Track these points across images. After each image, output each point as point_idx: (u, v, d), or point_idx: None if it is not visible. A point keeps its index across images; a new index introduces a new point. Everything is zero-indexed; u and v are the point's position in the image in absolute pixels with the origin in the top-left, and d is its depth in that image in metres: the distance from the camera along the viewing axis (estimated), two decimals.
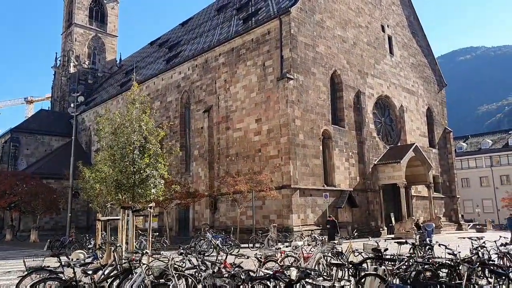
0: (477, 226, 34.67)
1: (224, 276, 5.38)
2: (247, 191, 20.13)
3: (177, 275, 6.14)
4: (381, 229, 25.56)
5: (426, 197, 29.86)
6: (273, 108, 22.67)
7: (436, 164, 31.92)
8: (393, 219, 26.97)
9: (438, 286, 5.54)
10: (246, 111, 24.53)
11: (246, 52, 25.03)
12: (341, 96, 25.26)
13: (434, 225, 11.75)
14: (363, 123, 26.07)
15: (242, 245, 17.38)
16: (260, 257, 6.31)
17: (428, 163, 28.27)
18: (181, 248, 8.06)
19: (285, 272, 5.32)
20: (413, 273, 5.90)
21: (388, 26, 29.77)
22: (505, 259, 7.66)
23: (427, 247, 9.31)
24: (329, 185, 23.41)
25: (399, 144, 29.21)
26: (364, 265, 6.48)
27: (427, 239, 11.05)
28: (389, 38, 29.73)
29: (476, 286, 5.76)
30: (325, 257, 7.71)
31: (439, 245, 8.12)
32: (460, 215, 34.74)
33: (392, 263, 6.44)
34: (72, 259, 7.21)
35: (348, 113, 25.50)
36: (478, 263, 5.97)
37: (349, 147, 25.23)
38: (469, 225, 36.13)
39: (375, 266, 5.92)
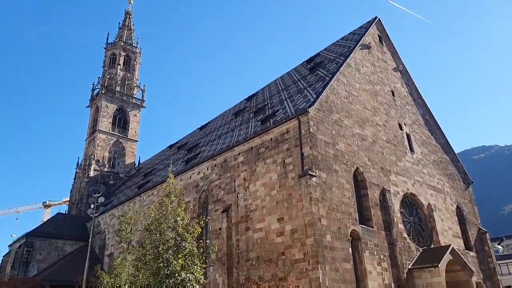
0: None
1: None
2: None
3: None
4: None
5: None
6: (296, 206, 21.57)
7: (476, 269, 28.95)
8: None
9: None
10: (267, 210, 23.42)
11: (265, 150, 24.96)
12: (365, 194, 24.17)
13: None
14: (392, 222, 24.42)
15: None
16: None
17: (469, 267, 25.58)
18: None
19: None
20: None
21: (405, 124, 29.98)
22: None
23: None
24: None
25: (432, 246, 26.92)
26: None
27: None
28: (408, 136, 29.67)
29: None
30: None
31: None
32: None
33: None
34: None
35: (375, 212, 24.08)
36: None
37: (380, 249, 23.22)
38: None
39: None
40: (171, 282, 8.74)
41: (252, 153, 26.00)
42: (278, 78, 37.47)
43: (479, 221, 33.29)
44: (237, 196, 26.04)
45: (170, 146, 50.82)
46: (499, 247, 53.32)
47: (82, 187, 52.57)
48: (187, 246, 9.21)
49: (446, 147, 33.33)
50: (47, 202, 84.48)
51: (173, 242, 9.09)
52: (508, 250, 52.68)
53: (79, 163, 57.16)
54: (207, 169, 29.83)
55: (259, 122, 27.99)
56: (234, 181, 26.79)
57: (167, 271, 8.73)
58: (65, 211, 57.09)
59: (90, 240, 27.44)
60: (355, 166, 24.18)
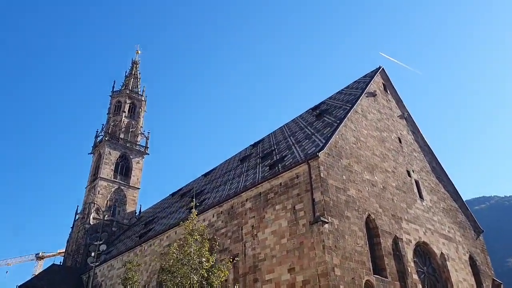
0: None
1: None
2: None
3: None
4: None
5: None
6: (308, 255, 20.76)
7: None
8: None
9: None
10: (277, 259, 22.52)
11: (275, 196, 24.53)
12: (378, 242, 23.44)
13: None
14: (406, 272, 23.45)
15: None
16: None
17: None
18: None
19: None
20: None
21: (413, 171, 29.84)
22: None
23: None
24: None
25: None
26: None
27: None
28: (417, 183, 29.41)
29: None
30: None
31: None
32: None
33: None
34: None
35: (389, 261, 23.20)
36: None
37: None
38: None
39: None
40: None
41: (261, 199, 25.53)
42: (283, 125, 37.84)
43: (492, 272, 32.10)
44: (245, 245, 25.20)
45: (173, 194, 50.13)
46: None
47: (80, 236, 51.07)
48: None
49: (454, 194, 32.94)
50: (40, 253, 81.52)
51: (197, 286, 8.44)
52: None
53: (78, 211, 56.00)
54: (213, 217, 29.16)
55: (267, 167, 27.80)
56: (242, 229, 26.06)
57: None
58: (60, 262, 54.99)
59: None
60: (366, 213, 23.68)
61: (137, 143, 61.79)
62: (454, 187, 33.40)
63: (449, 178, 33.38)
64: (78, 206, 57.06)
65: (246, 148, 41.44)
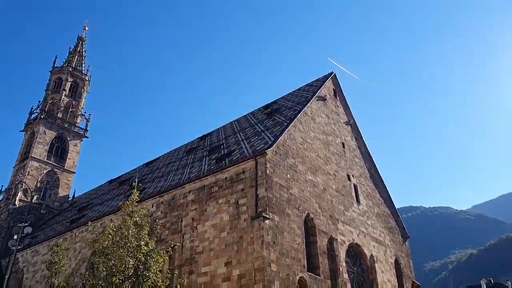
0: None
1: None
2: None
3: None
4: None
5: None
6: (246, 249, 20.90)
7: None
8: None
9: None
10: (215, 252, 22.42)
11: (219, 190, 24.39)
12: (315, 241, 24.19)
13: None
14: (338, 272, 24.43)
15: None
16: None
17: None
18: None
19: None
20: None
21: (353, 176, 31.18)
22: None
23: None
24: None
25: None
26: None
27: None
28: (355, 187, 30.79)
29: None
30: None
31: None
32: None
33: None
34: None
35: (323, 260, 24.05)
36: None
37: None
38: None
39: None
40: None
41: (204, 192, 25.26)
42: (233, 121, 37.74)
43: (413, 274, 34.53)
44: (183, 236, 24.80)
45: (111, 181, 47.90)
46: None
47: (3, 218, 47.08)
48: (150, 277, 8.15)
49: (388, 201, 34.93)
50: None
51: (132, 271, 8.02)
52: None
53: (2, 190, 51.59)
54: (152, 206, 28.31)
55: (214, 161, 27.57)
56: (181, 221, 25.64)
57: None
58: None
59: (7, 277, 24.31)
60: (306, 212, 24.34)
61: (77, 124, 58.23)
62: (389, 194, 35.42)
63: (385, 186, 35.32)
64: (3, 186, 52.58)
65: (193, 141, 40.76)
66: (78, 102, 60.00)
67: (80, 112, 59.35)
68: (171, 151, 42.63)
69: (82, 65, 63.71)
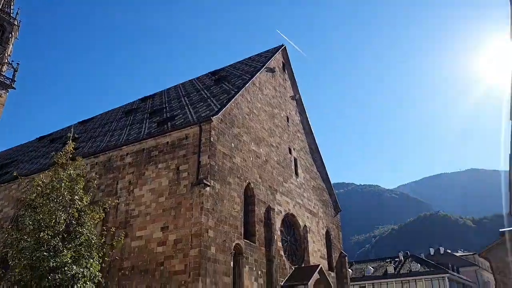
0: None
1: None
2: None
3: None
4: None
5: None
6: (184, 215, 20.72)
7: None
8: None
9: None
10: (151, 217, 21.98)
11: (159, 154, 23.66)
12: (253, 209, 24.65)
13: None
14: (273, 240, 25.28)
15: None
16: None
17: (331, 286, 27.87)
18: None
19: None
20: None
21: (294, 149, 31.91)
22: None
23: None
24: None
25: (303, 265, 28.66)
26: None
27: None
28: (295, 161, 31.60)
29: None
30: None
31: None
32: None
33: None
34: None
35: (259, 228, 24.67)
36: None
37: (259, 265, 23.71)
38: None
39: None
40: (57, 277, 7.03)
41: (143, 155, 24.38)
42: (179, 84, 36.47)
43: (341, 245, 36.87)
44: (118, 199, 23.90)
45: (40, 138, 44.56)
46: (350, 270, 59.83)
47: None
48: (84, 233, 7.62)
49: (324, 176, 36.42)
50: None
51: (63, 226, 7.44)
52: (357, 273, 59.54)
53: None
54: (86, 167, 26.80)
55: (155, 124, 26.58)
56: (117, 183, 24.68)
57: (52, 263, 7.02)
58: None
59: None
60: (247, 181, 24.56)
61: (2, 73, 52.78)
62: (326, 169, 36.91)
63: (322, 161, 36.69)
64: None
65: (133, 102, 38.91)
66: (4, 48, 54.07)
67: (6, 60, 53.68)
68: (109, 111, 40.43)
69: (10, 6, 57.10)
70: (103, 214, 8.73)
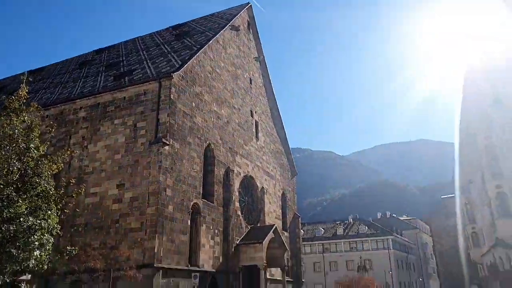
0: None
1: None
2: (103, 269, 16.39)
3: None
4: None
5: (278, 280, 30.02)
6: (142, 173, 20.30)
7: (288, 247, 33.04)
8: None
9: None
10: (107, 174, 21.35)
11: (115, 109, 22.67)
12: (212, 170, 24.62)
13: None
14: (231, 200, 25.61)
15: None
16: None
17: (284, 246, 29.00)
18: None
19: None
20: None
21: (256, 112, 31.82)
22: None
23: None
24: (193, 265, 21.24)
25: (259, 225, 29.46)
26: None
27: None
28: (256, 124, 31.61)
29: None
30: None
31: None
32: None
33: None
34: None
35: (218, 188, 24.81)
36: None
37: (216, 224, 24.05)
38: None
39: None
40: (11, 228, 6.68)
41: (98, 110, 23.27)
42: (137, 38, 34.58)
43: (296, 207, 38.18)
44: (71, 155, 22.86)
45: None
46: (301, 231, 62.57)
47: None
48: (41, 183, 7.20)
49: (283, 140, 36.89)
50: None
51: (17, 176, 6.98)
52: (308, 234, 62.42)
53: None
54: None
55: (111, 78, 25.28)
56: (70, 138, 23.55)
57: (6, 213, 6.63)
58: None
59: None
60: (207, 142, 24.32)
61: None
62: (285, 134, 37.34)
63: (282, 125, 37.01)
64: None
65: (88, 53, 36.61)
66: None
67: None
68: (61, 62, 37.86)
69: None
70: (62, 165, 8.25)
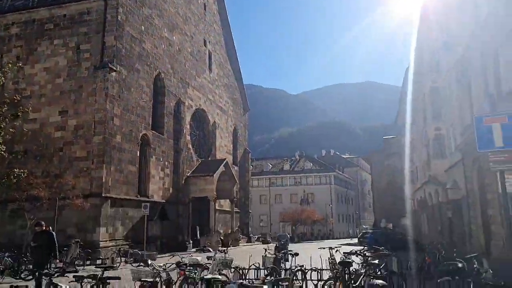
0: (261, 238, 38.62)
1: None
2: (47, 198, 15.74)
3: None
4: (187, 242, 24.72)
5: (227, 211, 31.14)
6: (86, 100, 19.03)
7: (238, 181, 33.89)
8: (198, 232, 26.80)
9: None
10: (47, 99, 19.79)
11: (55, 28, 20.46)
12: (163, 101, 23.72)
13: (288, 235, 11.72)
14: (181, 133, 25.17)
15: None
16: None
17: (234, 179, 29.67)
18: None
19: None
20: None
21: (209, 42, 30.39)
22: None
23: (287, 256, 9.02)
24: (142, 195, 21.15)
25: (210, 159, 29.61)
26: None
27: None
28: (210, 54, 30.35)
29: None
30: None
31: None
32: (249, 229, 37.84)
33: None
34: None
35: (168, 120, 24.14)
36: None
37: (166, 156, 23.75)
38: (255, 237, 39.75)
39: None
40: None
41: (34, 28, 20.89)
42: None
43: (246, 143, 38.66)
44: (4, 75, 20.70)
45: None
46: (251, 166, 64.28)
47: None
48: None
49: (237, 74, 36.09)
50: None
51: None
52: (256, 169, 64.36)
53: None
54: None
55: None
56: (1, 57, 21.17)
57: None
58: None
59: None
60: (157, 70, 23.09)
61: None
62: (239, 67, 36.44)
63: (237, 58, 35.95)
64: None
65: None
66: None
67: None
68: None
69: None
70: (3, 79, 7.34)
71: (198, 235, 26.54)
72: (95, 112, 18.60)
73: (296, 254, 8.11)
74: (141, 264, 5.80)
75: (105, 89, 18.61)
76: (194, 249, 23.14)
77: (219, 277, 5.01)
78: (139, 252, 15.80)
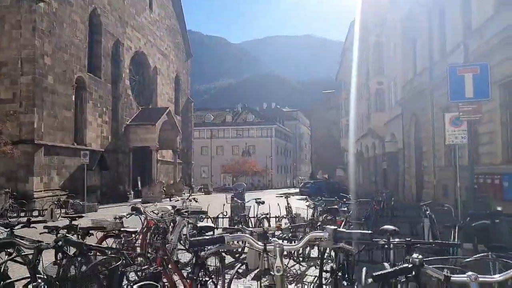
0: (204, 189, 38.78)
1: None
2: None
3: None
4: (128, 193, 23.95)
5: (170, 162, 30.43)
6: (10, 34, 16.63)
7: (181, 131, 32.97)
8: (139, 183, 26.05)
9: None
10: None
11: None
12: (99, 40, 21.60)
13: (244, 185, 11.56)
14: (120, 77, 23.42)
15: None
16: None
17: (177, 128, 28.76)
18: None
19: None
20: None
21: None
22: None
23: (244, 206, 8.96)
24: (79, 144, 19.70)
25: (150, 106, 28.20)
26: None
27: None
28: None
29: None
30: None
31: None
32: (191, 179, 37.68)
33: None
34: None
35: (106, 62, 22.20)
36: None
37: (104, 102, 22.09)
38: (198, 188, 39.81)
39: None
40: None
41: None
42: None
43: (189, 91, 37.33)
44: None
45: None
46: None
47: None
48: None
49: (180, 16, 33.84)
50: None
51: None
52: (197, 119, 63.22)
53: None
54: None
55: None
56: None
57: None
58: None
59: None
60: (93, 6, 20.74)
61: None
62: (182, 9, 34.12)
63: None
64: None
65: None
66: None
67: None
68: None
69: None
70: None
71: (139, 186, 25.79)
72: (21, 48, 16.38)
73: (262, 203, 8.05)
74: (133, 212, 5.31)
75: (32, 22, 16.33)
76: (136, 200, 22.48)
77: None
78: (80, 202, 14.89)
